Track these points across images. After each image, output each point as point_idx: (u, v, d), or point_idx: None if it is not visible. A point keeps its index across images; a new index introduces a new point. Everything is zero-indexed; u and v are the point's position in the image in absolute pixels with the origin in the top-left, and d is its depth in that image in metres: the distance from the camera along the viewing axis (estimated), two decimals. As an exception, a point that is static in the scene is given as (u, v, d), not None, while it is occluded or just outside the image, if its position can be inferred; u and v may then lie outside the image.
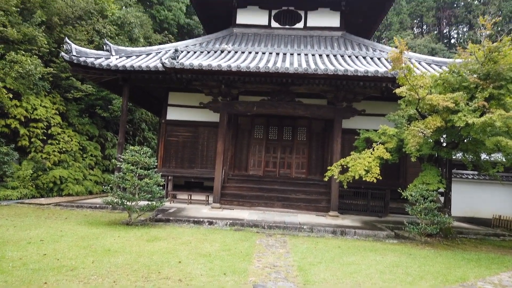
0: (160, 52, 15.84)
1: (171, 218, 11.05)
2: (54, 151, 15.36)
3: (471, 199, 15.79)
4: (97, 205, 13.04)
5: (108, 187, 10.39)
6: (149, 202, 10.34)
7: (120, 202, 10.00)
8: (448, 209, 11.14)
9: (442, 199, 11.92)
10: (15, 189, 13.68)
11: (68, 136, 16.28)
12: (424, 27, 55.19)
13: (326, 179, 11.92)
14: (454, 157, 11.38)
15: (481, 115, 9.14)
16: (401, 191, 10.61)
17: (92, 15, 19.24)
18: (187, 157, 15.95)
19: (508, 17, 43.08)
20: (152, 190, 10.35)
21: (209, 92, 13.76)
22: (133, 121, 22.15)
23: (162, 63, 12.43)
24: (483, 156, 11.44)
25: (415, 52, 30.79)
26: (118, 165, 10.96)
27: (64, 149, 15.77)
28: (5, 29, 14.45)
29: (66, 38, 14.79)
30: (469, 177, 16.04)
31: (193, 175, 15.75)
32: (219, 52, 15.44)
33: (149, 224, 10.41)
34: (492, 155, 11.27)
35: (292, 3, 17.59)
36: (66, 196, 15.06)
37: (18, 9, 15.49)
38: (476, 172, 15.42)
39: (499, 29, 35.67)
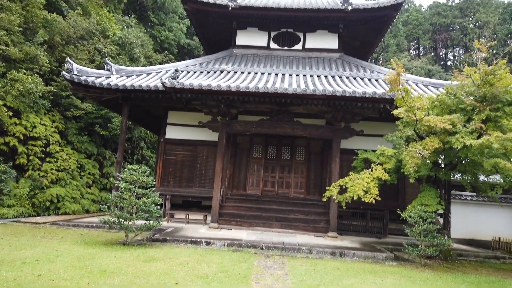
0: (160, 72, 16.01)
1: (168, 238, 10.94)
2: (52, 169, 15.31)
3: (470, 221, 15.69)
4: (94, 224, 12.91)
5: (106, 206, 10.32)
6: (147, 222, 10.26)
7: (117, 221, 9.91)
8: (447, 231, 11.07)
9: (441, 220, 11.86)
10: (11, 207, 13.57)
11: (66, 154, 16.27)
12: (421, 49, 56.14)
13: (324, 199, 11.86)
14: (452, 178, 11.38)
15: (478, 137, 9.19)
16: (400, 212, 10.58)
17: (94, 35, 19.52)
18: (185, 176, 15.89)
19: (503, 40, 43.90)
20: (150, 210, 10.29)
21: (209, 112, 13.85)
22: (132, 140, 22.18)
23: (163, 83, 12.55)
24: (482, 177, 11.45)
25: (412, 73, 31.21)
26: (116, 184, 10.94)
27: (62, 167, 15.73)
28: (7, 48, 14.64)
29: (68, 57, 14.96)
30: (468, 198, 15.99)
31: (191, 194, 15.66)
32: (218, 72, 15.63)
33: (146, 244, 10.30)
34: (490, 176, 11.27)
35: (291, 25, 17.91)
36: (62, 215, 14.92)
37: (21, 29, 15.72)
38: (474, 194, 15.38)
39: (495, 51, 36.30)
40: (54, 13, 17.95)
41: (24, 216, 13.85)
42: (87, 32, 19.22)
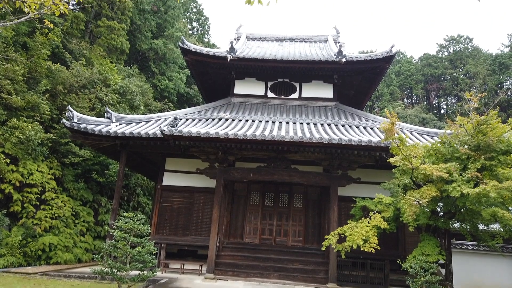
0: (159, 120, 16.26)
1: (162, 289, 10.57)
2: (46, 216, 15.05)
3: (472, 271, 15.22)
4: (86, 275, 12.48)
5: (99, 256, 10.05)
6: (140, 272, 9.93)
7: (110, 271, 9.60)
8: (450, 282, 10.77)
9: (443, 271, 11.57)
10: (2, 257, 13.18)
11: (61, 202, 16.06)
12: (414, 98, 57.61)
13: (323, 248, 11.60)
14: (452, 227, 11.25)
15: (475, 186, 9.21)
16: (400, 262, 10.33)
17: (95, 84, 20.01)
18: (181, 224, 15.61)
19: (493, 90, 45.20)
20: (144, 259, 10.00)
21: (206, 159, 13.92)
22: (128, 186, 22.03)
23: (161, 131, 12.72)
24: (481, 226, 11.32)
25: (406, 121, 31.82)
26: (111, 232, 10.72)
27: (56, 215, 15.47)
28: (9, 96, 14.96)
29: (69, 105, 15.26)
30: (469, 248, 15.65)
31: (187, 242, 15.31)
32: (217, 120, 15.90)
33: (139, 296, 9.93)
34: (490, 226, 11.16)
35: (287, 75, 18.51)
36: (54, 265, 14.46)
37: (25, 78, 16.14)
38: (475, 243, 15.11)
39: (486, 101, 37.31)
40: (58, 63, 18.55)
41: (15, 266, 13.41)
42: (89, 82, 19.73)
